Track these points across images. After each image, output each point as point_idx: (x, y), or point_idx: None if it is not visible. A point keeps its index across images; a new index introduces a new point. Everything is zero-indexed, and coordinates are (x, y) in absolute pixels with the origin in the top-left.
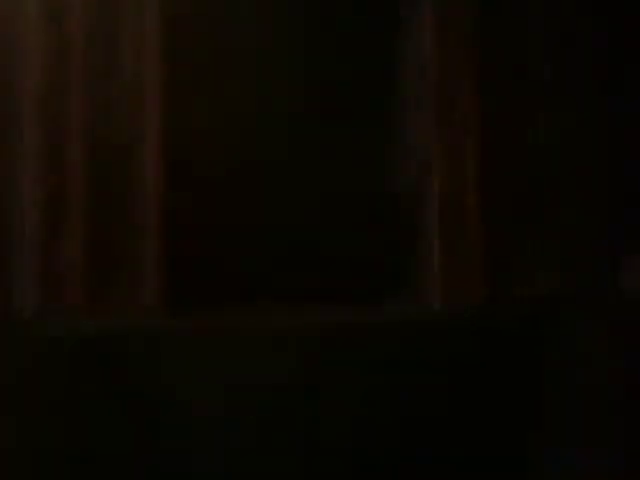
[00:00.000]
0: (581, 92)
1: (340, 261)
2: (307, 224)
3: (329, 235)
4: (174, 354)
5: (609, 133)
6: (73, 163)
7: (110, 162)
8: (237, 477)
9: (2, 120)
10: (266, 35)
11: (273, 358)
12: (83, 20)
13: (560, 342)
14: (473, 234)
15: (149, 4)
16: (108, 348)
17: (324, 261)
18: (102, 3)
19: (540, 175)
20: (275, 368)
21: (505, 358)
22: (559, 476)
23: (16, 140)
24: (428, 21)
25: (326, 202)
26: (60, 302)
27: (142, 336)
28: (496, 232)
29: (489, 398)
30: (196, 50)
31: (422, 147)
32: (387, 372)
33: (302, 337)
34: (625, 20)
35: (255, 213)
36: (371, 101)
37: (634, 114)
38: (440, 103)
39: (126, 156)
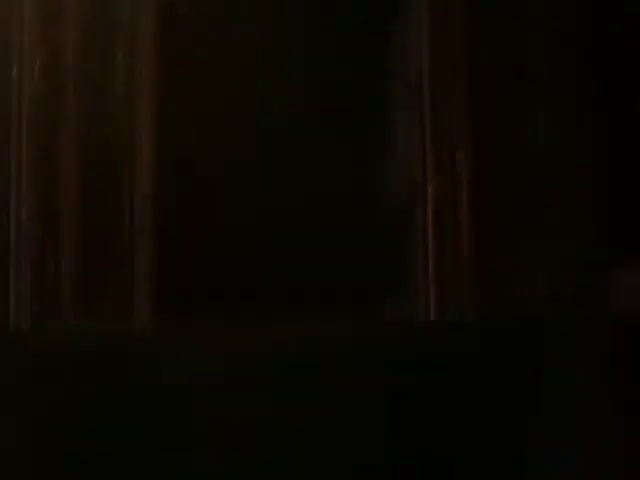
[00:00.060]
0: (581, 92)
1: (337, 266)
2: (301, 231)
3: (323, 242)
4: (168, 363)
5: (609, 133)
6: (66, 173)
7: (103, 171)
8: None
9: None
10: (266, 35)
11: (268, 366)
12: (77, 25)
13: (560, 342)
14: (467, 244)
15: (144, 7)
16: (103, 359)
17: (319, 268)
18: (96, 8)
19: (539, 176)
20: (271, 375)
21: (504, 359)
22: (559, 476)
23: (8, 148)
24: (422, 37)
25: (321, 208)
26: (54, 314)
27: (136, 346)
28: (491, 241)
29: (489, 399)
30: (193, 50)
31: (413, 161)
32: (384, 379)
33: (296, 344)
34: (625, 20)
35: (251, 219)
36: (371, 102)
37: (634, 114)
38: (431, 118)
39: (120, 164)
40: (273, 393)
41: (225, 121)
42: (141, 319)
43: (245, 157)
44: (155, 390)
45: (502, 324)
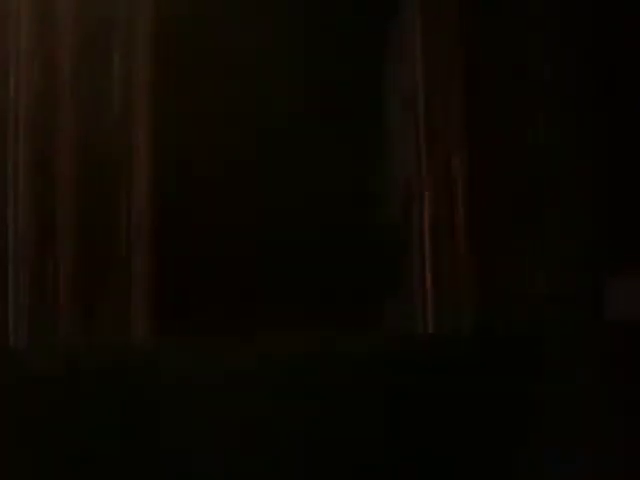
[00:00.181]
0: (581, 92)
1: (335, 268)
2: (298, 232)
3: (320, 243)
4: (167, 377)
5: (609, 133)
6: (63, 179)
7: (101, 177)
8: None
9: None
10: (266, 35)
11: (268, 379)
12: (74, 28)
13: (560, 342)
14: (464, 249)
15: (141, 9)
16: (101, 374)
17: (317, 269)
18: (93, 10)
19: (539, 176)
20: (271, 387)
21: (504, 360)
22: (559, 476)
23: (5, 152)
24: (416, 49)
25: (318, 209)
26: (52, 323)
27: (134, 360)
28: (489, 245)
29: (489, 400)
30: (191, 51)
31: (410, 166)
32: (383, 390)
33: (293, 359)
34: (625, 20)
35: (250, 219)
36: (371, 102)
37: (634, 114)
38: (426, 124)
39: (117, 171)
40: (273, 404)
41: (224, 121)
42: (140, 325)
43: (244, 157)
44: (154, 407)
45: (499, 332)
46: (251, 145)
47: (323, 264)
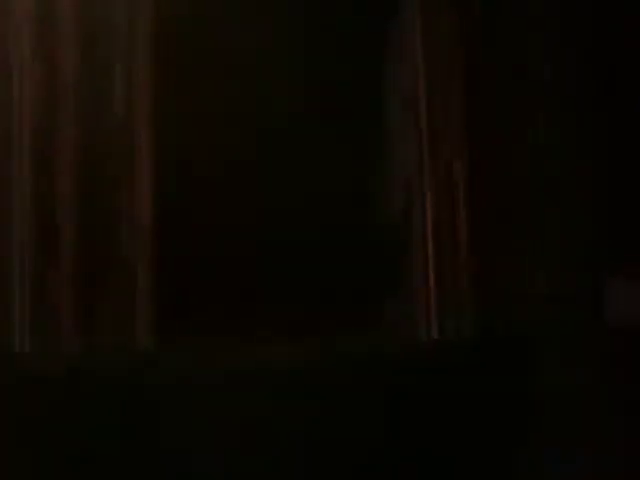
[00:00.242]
0: (581, 92)
1: (333, 292)
2: (301, 232)
3: (318, 256)
4: (166, 387)
5: (609, 134)
6: (64, 196)
7: (101, 193)
8: None
9: None
10: (266, 35)
11: (264, 389)
12: (74, 37)
13: (559, 342)
14: (465, 251)
15: (141, 9)
16: (101, 383)
17: (316, 292)
18: (94, 17)
19: (538, 177)
20: (267, 399)
21: (503, 361)
22: (559, 476)
23: (7, 159)
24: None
25: (318, 209)
26: (53, 338)
27: (135, 369)
28: (489, 247)
29: (489, 401)
30: (192, 51)
31: (410, 175)
32: (381, 393)
33: (292, 366)
34: (625, 20)
35: (251, 219)
36: (371, 102)
37: (634, 114)
38: (428, 129)
39: (117, 186)
40: (274, 405)
41: (224, 121)
42: (141, 326)
43: (245, 157)
44: (155, 407)
45: (499, 332)
46: (251, 145)
47: (323, 264)
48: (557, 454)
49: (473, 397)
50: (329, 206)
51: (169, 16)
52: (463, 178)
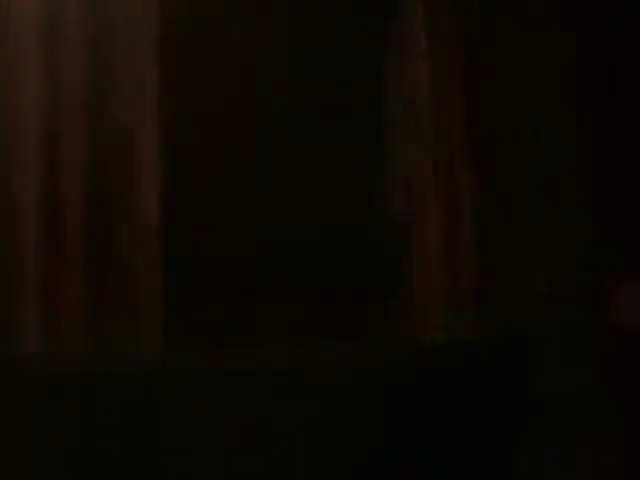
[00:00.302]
0: (581, 92)
1: (334, 293)
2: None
3: (322, 263)
4: (173, 391)
5: (609, 134)
6: (73, 201)
7: (108, 194)
8: None
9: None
10: (267, 36)
11: (269, 392)
12: (80, 42)
13: (559, 342)
14: (469, 254)
15: (146, 12)
16: (108, 387)
17: (317, 293)
18: (99, 33)
19: (538, 176)
20: (272, 402)
21: (504, 362)
22: (559, 476)
23: (14, 176)
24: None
25: (319, 212)
26: (60, 341)
27: (143, 373)
28: (494, 248)
29: (489, 401)
30: (196, 53)
31: (410, 175)
32: (381, 394)
33: (297, 371)
34: (625, 20)
35: (255, 219)
36: (371, 102)
37: (634, 115)
38: (431, 131)
39: (124, 187)
40: (276, 409)
41: (224, 122)
42: (148, 329)
43: (249, 158)
44: (162, 409)
45: (499, 332)
46: (253, 145)
47: (323, 264)
48: (557, 454)
49: (473, 397)
50: (329, 206)
51: (174, 19)
52: (466, 178)
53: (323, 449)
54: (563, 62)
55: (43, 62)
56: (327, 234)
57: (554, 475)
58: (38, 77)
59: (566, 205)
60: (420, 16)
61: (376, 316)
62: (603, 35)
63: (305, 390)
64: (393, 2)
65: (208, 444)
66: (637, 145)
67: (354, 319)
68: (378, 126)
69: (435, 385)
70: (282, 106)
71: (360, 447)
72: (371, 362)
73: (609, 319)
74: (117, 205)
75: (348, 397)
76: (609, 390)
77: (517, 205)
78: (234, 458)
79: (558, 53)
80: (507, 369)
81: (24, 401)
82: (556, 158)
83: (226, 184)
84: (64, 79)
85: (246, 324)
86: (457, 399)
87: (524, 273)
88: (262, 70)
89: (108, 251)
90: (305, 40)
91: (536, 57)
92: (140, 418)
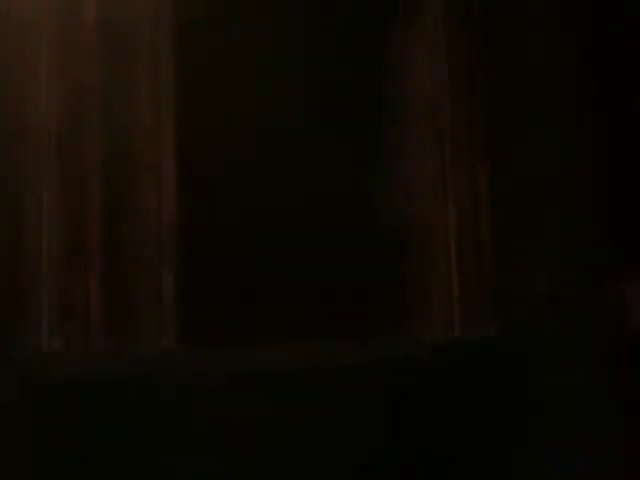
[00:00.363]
0: (581, 92)
1: (340, 293)
2: (308, 254)
3: (330, 265)
4: (190, 391)
5: (609, 134)
6: (91, 202)
7: (126, 197)
8: None
9: (20, 162)
10: (266, 37)
11: (270, 392)
12: (100, 50)
13: (559, 342)
14: (488, 257)
15: (161, 16)
16: (125, 388)
17: (324, 294)
18: (116, 42)
19: (538, 176)
20: (272, 402)
21: (504, 362)
22: (559, 476)
23: (36, 181)
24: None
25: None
26: (78, 341)
27: (159, 374)
28: (511, 253)
29: (489, 401)
30: (210, 58)
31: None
32: (381, 394)
33: (306, 373)
34: (625, 20)
35: (251, 231)
36: (372, 103)
37: (634, 115)
38: (451, 133)
39: (142, 191)
40: (279, 410)
41: (224, 123)
42: (163, 350)
43: (249, 158)
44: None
45: (499, 332)
46: (254, 145)
47: (323, 264)
48: (557, 454)
49: (473, 397)
50: (329, 206)
51: (189, 19)
52: (487, 186)
53: (323, 449)
54: (563, 62)
55: (58, 63)
56: (327, 234)
57: (554, 475)
58: (53, 77)
59: (566, 205)
60: (440, 17)
61: (376, 316)
62: (603, 35)
63: (305, 390)
64: (393, 2)
65: (209, 444)
66: (637, 145)
67: (354, 319)
68: (378, 126)
69: (435, 385)
70: (282, 106)
71: (360, 447)
72: (371, 362)
73: (609, 319)
74: (134, 205)
75: (348, 397)
76: (609, 390)
77: (517, 205)
78: (234, 458)
79: (558, 53)
80: (507, 369)
81: (46, 399)
82: (556, 158)
83: (228, 184)
84: (81, 80)
85: (246, 324)
86: (457, 399)
87: (524, 273)
88: (263, 70)
89: (126, 251)
90: (305, 40)
91: (536, 57)
92: (146, 418)
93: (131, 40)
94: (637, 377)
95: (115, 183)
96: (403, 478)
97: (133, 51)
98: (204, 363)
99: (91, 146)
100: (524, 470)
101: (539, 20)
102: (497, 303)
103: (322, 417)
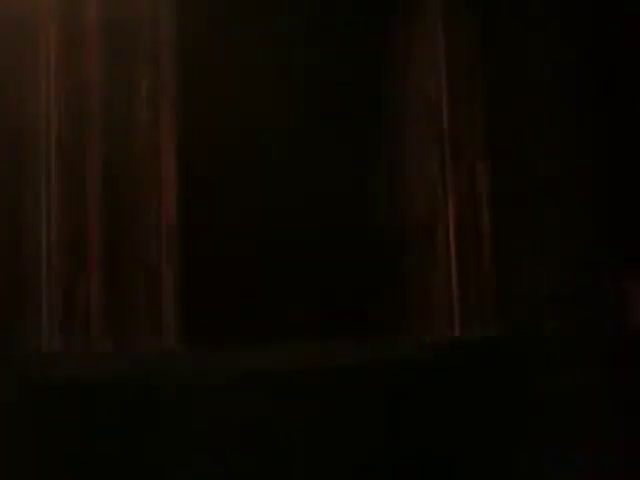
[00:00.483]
0: (581, 92)
1: (341, 293)
2: (312, 255)
3: (330, 265)
4: (190, 391)
5: (609, 134)
6: (91, 202)
7: (126, 197)
8: None
9: (21, 161)
10: (266, 37)
11: (270, 392)
12: (100, 52)
13: (559, 342)
14: (488, 256)
15: (163, 17)
16: (125, 388)
17: (327, 294)
18: (117, 42)
19: (539, 176)
20: (272, 402)
21: (504, 362)
22: (559, 476)
23: (36, 181)
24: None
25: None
26: (78, 341)
27: (159, 374)
28: (512, 252)
29: (489, 401)
30: (210, 60)
31: (429, 177)
32: (380, 395)
33: (306, 373)
34: (625, 20)
35: (250, 231)
36: (372, 103)
37: (634, 115)
38: (450, 132)
39: (142, 190)
40: (279, 410)
41: (224, 123)
42: (164, 351)
43: (250, 158)
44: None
45: (499, 335)
46: (254, 145)
47: (322, 264)
48: (557, 454)
49: (473, 397)
50: (329, 206)
51: (190, 20)
52: (486, 185)
53: (324, 449)
54: (563, 62)
55: (58, 63)
56: (327, 234)
57: (554, 475)
58: (53, 77)
59: (566, 205)
60: (440, 17)
61: (376, 316)
62: (603, 35)
63: (305, 390)
64: (393, 2)
65: (209, 444)
66: (637, 145)
67: (354, 319)
68: (378, 126)
69: (435, 385)
70: (282, 106)
71: (360, 447)
72: (371, 362)
73: (609, 319)
74: (135, 205)
75: (348, 397)
76: (609, 390)
77: (517, 205)
78: (234, 458)
79: (558, 53)
80: (507, 369)
81: (47, 398)
82: (556, 158)
83: (228, 184)
84: (82, 80)
85: (246, 324)
86: (457, 399)
87: (524, 273)
88: (263, 70)
89: (126, 251)
90: (305, 40)
91: (536, 57)
92: (146, 418)
93: (131, 40)
94: (637, 377)
95: (115, 183)
96: (403, 478)
97: (133, 51)
98: (204, 363)
99: (91, 146)
100: (524, 470)
101: (539, 20)
102: (497, 303)
103: (322, 417)
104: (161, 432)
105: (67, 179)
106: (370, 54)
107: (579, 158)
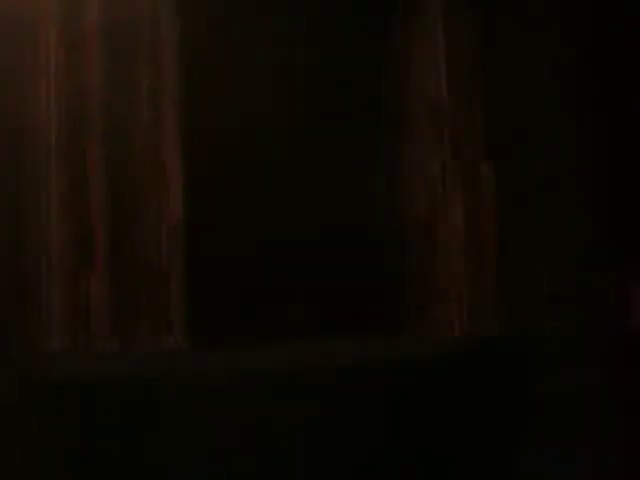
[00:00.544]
0: (581, 92)
1: (341, 293)
2: (314, 256)
3: (330, 265)
4: (190, 391)
5: (609, 134)
6: (93, 202)
7: (128, 197)
8: None
9: (22, 162)
10: (266, 37)
11: (282, 395)
12: (101, 52)
13: (559, 342)
14: (491, 257)
15: (165, 16)
16: (125, 388)
17: (327, 294)
18: (117, 42)
19: (538, 176)
20: (272, 402)
21: (503, 362)
22: (559, 476)
23: (40, 181)
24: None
25: (328, 228)
26: (80, 341)
27: (159, 374)
28: (515, 252)
29: (488, 401)
30: (213, 58)
31: (431, 177)
32: (380, 394)
33: (306, 373)
34: (625, 20)
35: (251, 231)
36: (371, 103)
37: (634, 115)
38: (452, 132)
39: (144, 190)
40: (280, 410)
41: (224, 123)
42: (171, 352)
43: (249, 158)
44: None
45: (499, 335)
46: (254, 145)
47: (323, 264)
48: (557, 454)
49: (473, 397)
50: (329, 206)
51: (193, 20)
52: (491, 185)
53: (324, 449)
54: (563, 62)
55: (59, 63)
56: (327, 234)
57: (554, 475)
58: (54, 77)
59: (566, 205)
60: (440, 17)
61: (376, 316)
62: (603, 35)
63: (305, 390)
64: (393, 2)
65: (209, 444)
66: (637, 145)
67: (354, 319)
68: (378, 126)
69: (435, 385)
70: (282, 106)
71: (360, 447)
72: (371, 362)
73: (609, 319)
74: (136, 205)
75: (348, 397)
76: (609, 390)
77: (517, 205)
78: (235, 458)
79: (558, 53)
80: (507, 369)
81: (50, 399)
82: (556, 158)
83: (228, 184)
84: (82, 80)
85: (246, 324)
86: (457, 399)
87: (524, 273)
88: (263, 70)
89: (132, 251)
90: (305, 40)
91: (536, 57)
92: (146, 418)
93: (131, 40)
94: (637, 377)
95: (117, 183)
96: (403, 478)
97: (133, 51)
98: (204, 363)
99: (92, 146)
100: (524, 470)
101: (539, 20)
102: (497, 303)
103: (322, 417)
104: (160, 432)
105: (68, 179)
106: (370, 54)
107: (579, 158)
